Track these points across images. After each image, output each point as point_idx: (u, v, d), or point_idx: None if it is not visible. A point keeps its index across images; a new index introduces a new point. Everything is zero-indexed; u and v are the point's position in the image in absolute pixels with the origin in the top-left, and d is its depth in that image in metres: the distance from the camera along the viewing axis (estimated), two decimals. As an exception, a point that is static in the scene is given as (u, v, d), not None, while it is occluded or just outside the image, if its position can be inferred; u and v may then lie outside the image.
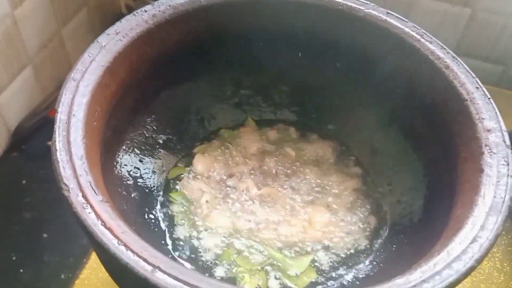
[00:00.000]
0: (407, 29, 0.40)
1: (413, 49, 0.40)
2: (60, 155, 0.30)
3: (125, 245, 0.26)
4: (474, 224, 0.29)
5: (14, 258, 0.53)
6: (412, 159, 0.42)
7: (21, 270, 0.52)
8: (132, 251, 0.26)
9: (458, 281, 0.27)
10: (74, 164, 0.29)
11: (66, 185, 0.28)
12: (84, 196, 0.28)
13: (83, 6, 0.70)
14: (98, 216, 0.27)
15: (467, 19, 0.65)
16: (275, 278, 0.39)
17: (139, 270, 0.26)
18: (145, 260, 0.26)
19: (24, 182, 0.60)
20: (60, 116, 0.32)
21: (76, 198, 0.28)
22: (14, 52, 0.59)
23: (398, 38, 0.40)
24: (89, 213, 0.27)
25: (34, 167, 0.62)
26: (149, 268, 0.26)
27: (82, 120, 0.32)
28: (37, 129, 0.64)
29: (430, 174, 0.40)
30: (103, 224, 0.27)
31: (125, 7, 0.78)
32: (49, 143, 0.64)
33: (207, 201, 0.43)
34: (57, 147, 0.30)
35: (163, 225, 0.41)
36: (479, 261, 0.27)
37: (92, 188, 0.29)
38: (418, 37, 0.40)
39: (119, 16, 0.80)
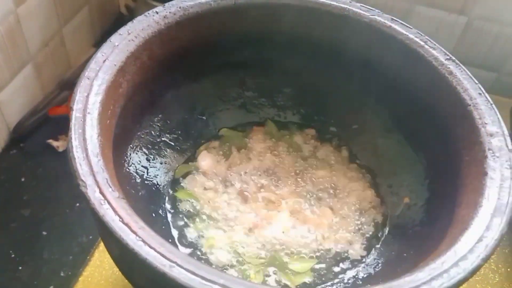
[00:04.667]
0: (411, 35, 0.41)
1: (417, 55, 0.41)
2: (77, 152, 0.30)
3: (143, 241, 0.27)
4: (479, 224, 0.30)
5: (13, 255, 0.53)
6: (414, 161, 0.43)
7: (20, 268, 0.52)
8: (150, 247, 0.27)
9: (466, 279, 0.28)
10: (91, 161, 0.30)
11: (83, 181, 0.29)
12: (102, 193, 0.29)
13: (84, 5, 0.70)
14: (115, 212, 0.28)
15: (463, 27, 0.67)
16: (274, 273, 0.40)
17: (157, 265, 0.26)
18: (163, 256, 0.26)
19: (23, 179, 0.60)
20: (76, 114, 0.32)
21: (93, 194, 0.28)
22: (16, 49, 0.59)
23: (403, 44, 0.41)
24: (107, 209, 0.28)
25: (33, 165, 0.62)
26: (167, 263, 0.26)
27: (96, 118, 0.32)
28: (36, 127, 0.64)
29: (432, 176, 0.41)
30: (121, 220, 0.28)
31: (124, 7, 0.79)
32: (49, 141, 0.64)
33: (211, 199, 0.44)
34: (73, 144, 0.30)
35: (170, 223, 0.42)
36: (485, 260, 0.28)
37: (109, 185, 0.29)
38: (422, 43, 0.41)
39: (118, 16, 0.80)
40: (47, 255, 0.54)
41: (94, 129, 0.32)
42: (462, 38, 0.68)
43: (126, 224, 0.27)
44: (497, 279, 0.47)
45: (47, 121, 0.65)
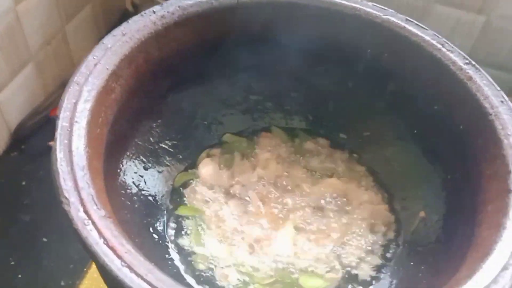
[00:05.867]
0: (427, 37, 0.38)
1: (434, 59, 0.38)
2: (61, 166, 0.28)
3: (128, 267, 0.25)
4: (503, 249, 0.27)
5: (12, 262, 0.52)
6: (430, 173, 0.40)
7: (20, 276, 0.51)
8: (136, 274, 0.24)
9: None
10: (76, 175, 0.28)
11: (66, 198, 0.27)
12: (86, 211, 0.26)
13: (88, 2, 0.68)
14: (100, 233, 0.26)
15: (481, 26, 0.64)
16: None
17: (143, 295, 0.24)
18: (149, 284, 0.24)
19: (23, 183, 0.59)
20: (62, 123, 0.30)
21: (77, 214, 0.26)
22: (15, 48, 0.57)
23: (418, 47, 0.38)
24: (90, 230, 0.26)
25: (34, 168, 0.61)
26: (154, 292, 0.24)
27: (85, 128, 0.30)
28: (37, 129, 0.63)
29: (449, 190, 0.38)
30: (105, 242, 0.25)
31: (130, 3, 0.77)
32: (50, 143, 0.62)
33: (212, 212, 0.41)
34: (58, 157, 0.28)
35: (167, 237, 0.40)
36: (510, 291, 0.26)
37: (94, 202, 0.27)
38: (439, 46, 0.38)
39: (124, 13, 0.78)
40: (47, 263, 0.52)
41: (81, 140, 0.29)
42: (481, 38, 0.65)
43: (111, 248, 0.25)
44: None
45: (49, 123, 0.64)
